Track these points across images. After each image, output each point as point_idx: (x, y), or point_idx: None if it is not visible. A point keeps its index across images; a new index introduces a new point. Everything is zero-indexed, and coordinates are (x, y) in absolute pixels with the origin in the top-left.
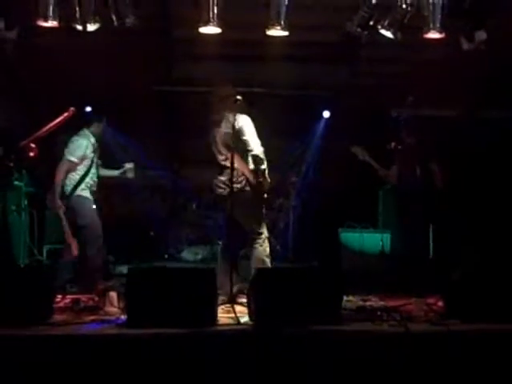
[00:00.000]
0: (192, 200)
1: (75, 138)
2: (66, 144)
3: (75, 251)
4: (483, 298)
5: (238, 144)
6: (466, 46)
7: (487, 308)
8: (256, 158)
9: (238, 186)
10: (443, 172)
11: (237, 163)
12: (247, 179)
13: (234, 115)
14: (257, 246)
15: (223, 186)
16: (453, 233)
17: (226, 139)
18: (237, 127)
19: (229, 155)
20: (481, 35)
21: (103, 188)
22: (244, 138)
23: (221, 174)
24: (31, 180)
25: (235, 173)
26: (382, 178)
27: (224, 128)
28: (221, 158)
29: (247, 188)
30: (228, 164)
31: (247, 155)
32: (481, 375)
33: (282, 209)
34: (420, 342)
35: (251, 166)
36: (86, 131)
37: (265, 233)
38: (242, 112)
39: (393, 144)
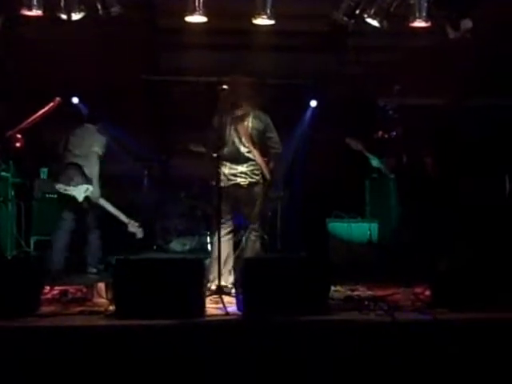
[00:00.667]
0: (180, 190)
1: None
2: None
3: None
4: (470, 287)
5: (262, 140)
6: (452, 34)
7: (474, 297)
8: (277, 157)
9: (257, 178)
10: (435, 162)
11: (258, 158)
12: (262, 174)
13: (260, 111)
14: (254, 238)
15: (244, 176)
16: (440, 222)
17: (253, 134)
18: (264, 124)
19: (252, 148)
20: (466, 24)
21: None
22: (270, 135)
23: (240, 164)
24: (18, 171)
25: (255, 166)
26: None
27: (250, 123)
28: (244, 149)
29: (261, 182)
30: (251, 156)
31: (271, 151)
32: (468, 364)
33: (270, 199)
34: (407, 331)
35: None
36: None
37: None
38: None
39: (380, 133)
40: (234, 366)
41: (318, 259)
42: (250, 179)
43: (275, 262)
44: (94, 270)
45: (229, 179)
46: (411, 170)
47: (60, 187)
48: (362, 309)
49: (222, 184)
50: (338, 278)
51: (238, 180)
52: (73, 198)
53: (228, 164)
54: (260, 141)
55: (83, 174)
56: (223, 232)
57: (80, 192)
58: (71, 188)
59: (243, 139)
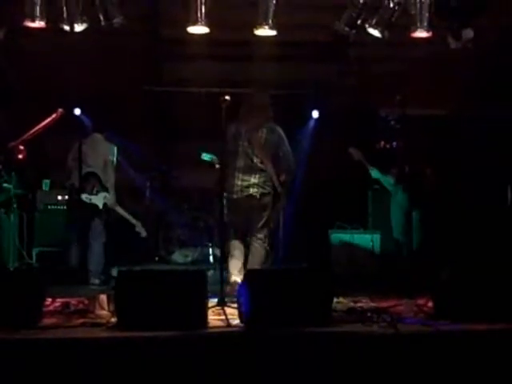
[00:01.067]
0: (183, 201)
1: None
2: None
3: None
4: (472, 298)
5: (275, 152)
6: (453, 44)
7: (476, 308)
8: (289, 170)
9: (268, 189)
10: (436, 177)
11: (270, 169)
12: (273, 185)
13: (273, 124)
14: (258, 246)
15: (256, 187)
16: (442, 232)
17: (266, 146)
18: (277, 137)
19: (265, 160)
20: (468, 33)
21: None
22: (283, 148)
23: (253, 175)
24: (20, 182)
25: (267, 177)
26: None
27: (264, 134)
28: (257, 161)
29: (271, 193)
30: (263, 167)
31: (283, 164)
32: (470, 375)
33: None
34: (410, 343)
35: (282, 177)
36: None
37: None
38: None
39: (382, 143)
40: (236, 377)
41: (321, 270)
42: (262, 190)
43: (277, 273)
44: (97, 281)
45: (242, 190)
46: (412, 180)
47: (86, 197)
48: (365, 320)
49: (235, 196)
50: (340, 290)
51: (251, 191)
52: (94, 206)
53: (241, 175)
54: (273, 152)
55: (100, 182)
56: (235, 241)
57: (100, 200)
58: (93, 197)
59: (256, 151)
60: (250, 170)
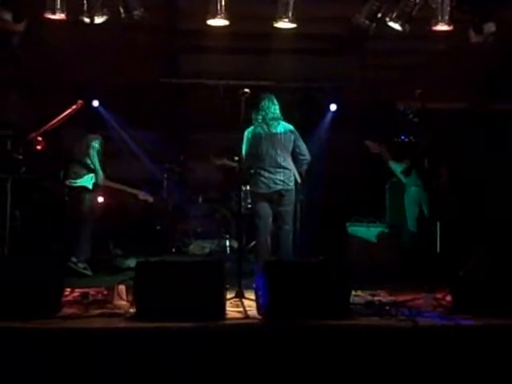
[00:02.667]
0: (199, 193)
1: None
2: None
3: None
4: (491, 292)
5: (293, 148)
6: (474, 38)
7: (495, 302)
8: (307, 164)
9: (291, 184)
10: (450, 176)
11: (291, 165)
12: (295, 180)
13: (286, 123)
14: (286, 237)
15: (282, 183)
16: (461, 227)
17: (286, 144)
18: (294, 135)
19: (287, 157)
20: (490, 27)
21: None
22: (299, 144)
23: (276, 173)
24: (40, 173)
25: (289, 173)
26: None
27: (283, 134)
28: (280, 159)
29: (294, 187)
30: (286, 165)
31: (299, 159)
32: (489, 369)
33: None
34: (428, 337)
35: (300, 169)
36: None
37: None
38: None
39: (401, 137)
40: (254, 369)
41: (338, 263)
42: (287, 186)
43: (296, 265)
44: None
45: (270, 187)
46: (429, 177)
47: (70, 182)
48: (383, 314)
49: (261, 191)
50: (358, 283)
51: (278, 188)
52: (83, 188)
53: (266, 174)
54: (291, 149)
55: (85, 166)
56: (264, 230)
57: (88, 181)
58: (79, 180)
59: (279, 151)
60: (275, 168)
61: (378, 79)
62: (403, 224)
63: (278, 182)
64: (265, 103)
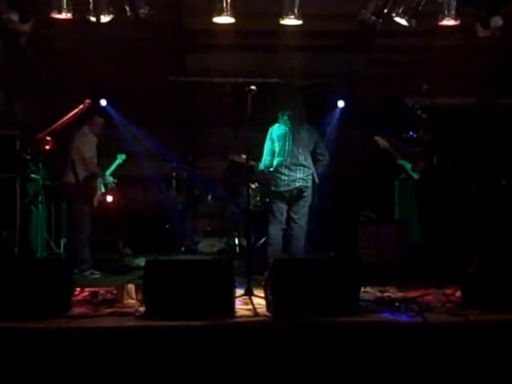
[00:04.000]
0: (207, 192)
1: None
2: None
3: None
4: (500, 287)
5: (313, 149)
6: (481, 32)
7: (504, 298)
8: (325, 165)
9: (309, 182)
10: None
11: (311, 165)
12: (313, 180)
13: (308, 125)
14: (299, 234)
15: (301, 180)
16: (469, 223)
17: (308, 144)
18: (315, 136)
19: (308, 157)
20: (497, 21)
21: (119, 182)
22: (320, 145)
23: (296, 170)
24: (48, 173)
25: (308, 171)
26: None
27: (306, 135)
28: (302, 158)
29: (311, 185)
30: (307, 164)
31: (319, 160)
32: (500, 365)
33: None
34: (438, 333)
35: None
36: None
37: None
38: None
39: (408, 133)
40: (264, 366)
41: (348, 260)
42: (305, 183)
43: (305, 262)
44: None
45: (289, 184)
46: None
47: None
48: (393, 310)
49: (281, 189)
50: (367, 279)
51: (297, 184)
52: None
53: (287, 171)
54: (311, 150)
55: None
56: (278, 226)
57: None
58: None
59: (301, 150)
60: (296, 166)
61: (386, 75)
62: (412, 220)
63: (297, 179)
64: (291, 102)
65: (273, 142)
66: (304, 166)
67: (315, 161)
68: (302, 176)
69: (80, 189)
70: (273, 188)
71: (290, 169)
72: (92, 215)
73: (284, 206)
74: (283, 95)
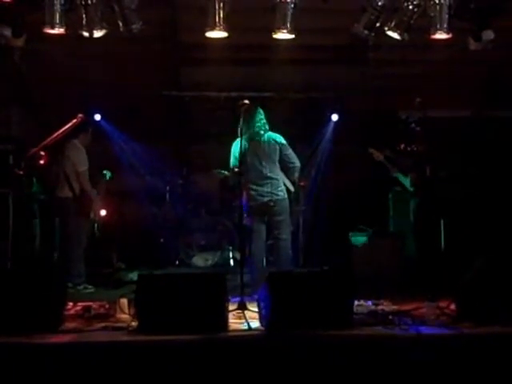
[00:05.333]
0: (202, 206)
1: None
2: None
3: None
4: (495, 300)
5: (280, 157)
6: (473, 46)
7: (499, 310)
8: (298, 170)
9: (281, 194)
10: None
11: (279, 175)
12: (287, 189)
13: (271, 132)
14: (284, 246)
15: (269, 194)
16: (464, 235)
17: (271, 154)
18: (279, 143)
19: (273, 168)
20: (488, 35)
21: (113, 195)
22: (286, 152)
23: (263, 184)
24: (41, 187)
25: (277, 183)
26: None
27: (267, 144)
28: (266, 171)
29: (285, 196)
30: (272, 175)
31: (289, 167)
32: (494, 378)
33: (292, 213)
34: (432, 346)
35: (292, 177)
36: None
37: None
38: None
39: (402, 146)
40: (257, 381)
41: (342, 273)
42: (275, 197)
43: (298, 275)
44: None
45: (256, 199)
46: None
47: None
48: (387, 323)
49: (252, 203)
50: (361, 292)
51: (265, 199)
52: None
53: (254, 186)
54: (278, 158)
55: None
56: (258, 242)
57: None
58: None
59: (263, 162)
60: (261, 180)
61: (380, 88)
62: (407, 232)
63: (265, 193)
64: (248, 115)
65: (236, 159)
66: (271, 178)
67: (286, 169)
68: (269, 190)
69: (77, 202)
70: (250, 203)
71: (256, 184)
72: (87, 229)
73: (262, 221)
74: (237, 108)
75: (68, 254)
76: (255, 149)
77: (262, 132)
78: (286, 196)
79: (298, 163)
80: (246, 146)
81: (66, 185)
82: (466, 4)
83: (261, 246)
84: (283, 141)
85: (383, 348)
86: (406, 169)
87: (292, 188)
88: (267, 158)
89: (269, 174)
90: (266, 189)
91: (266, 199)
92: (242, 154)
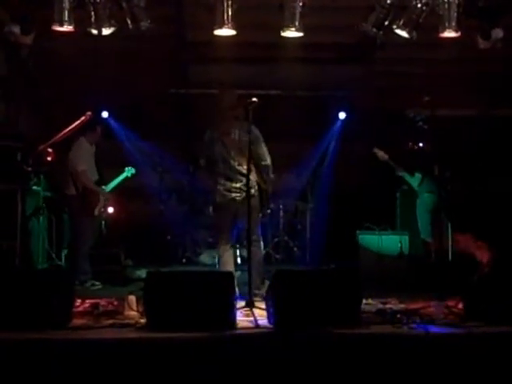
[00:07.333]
0: (209, 203)
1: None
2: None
3: None
4: (503, 299)
5: (253, 151)
6: (482, 44)
7: (507, 310)
8: (268, 168)
9: (252, 191)
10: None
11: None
12: (258, 185)
13: (249, 124)
14: (255, 249)
15: (238, 190)
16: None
17: (242, 146)
18: (252, 136)
19: (243, 162)
20: (498, 33)
21: (120, 193)
22: (257, 147)
23: (233, 180)
24: (49, 184)
25: (246, 179)
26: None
27: (237, 135)
28: (234, 163)
29: (256, 194)
30: (243, 170)
31: (261, 164)
32: (502, 377)
33: (298, 211)
34: (440, 345)
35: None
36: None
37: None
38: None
39: (409, 144)
40: (265, 378)
41: (349, 272)
42: (244, 193)
43: (306, 274)
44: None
45: (224, 195)
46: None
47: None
48: (394, 322)
49: (218, 200)
50: (369, 291)
51: (233, 195)
52: None
53: (222, 180)
54: (251, 153)
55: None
56: (225, 246)
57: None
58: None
59: (232, 153)
60: (230, 173)
61: (387, 87)
62: (414, 231)
63: (233, 189)
64: (221, 104)
65: (206, 149)
66: (240, 172)
67: (258, 165)
68: (237, 185)
69: (81, 200)
70: (216, 199)
71: (225, 177)
72: (94, 226)
73: (229, 220)
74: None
75: (72, 250)
76: (225, 140)
77: (235, 123)
78: (257, 194)
79: (268, 162)
80: (215, 138)
81: (71, 182)
82: (475, 2)
83: (228, 251)
84: (257, 133)
85: (391, 346)
86: (411, 168)
87: (265, 186)
88: (238, 149)
89: (238, 168)
90: (234, 184)
91: (233, 195)
92: (212, 146)
